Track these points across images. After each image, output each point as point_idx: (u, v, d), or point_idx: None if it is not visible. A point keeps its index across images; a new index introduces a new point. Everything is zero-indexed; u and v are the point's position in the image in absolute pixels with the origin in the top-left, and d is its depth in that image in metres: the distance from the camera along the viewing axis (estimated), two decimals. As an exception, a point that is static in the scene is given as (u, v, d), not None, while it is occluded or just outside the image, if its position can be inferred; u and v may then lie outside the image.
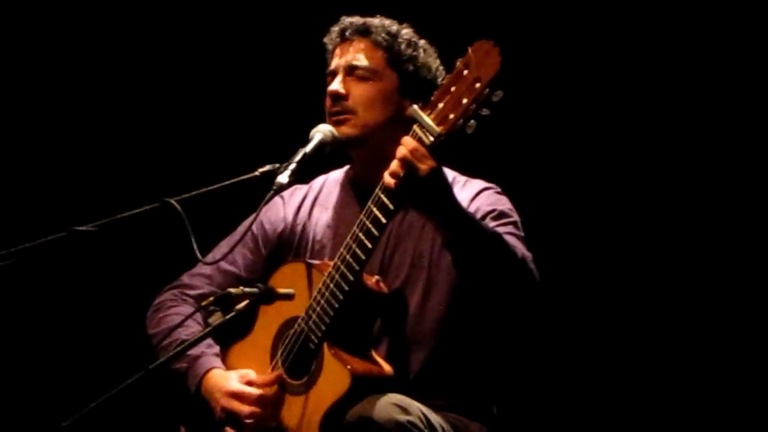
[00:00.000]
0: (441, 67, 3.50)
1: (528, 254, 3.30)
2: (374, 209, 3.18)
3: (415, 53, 3.49)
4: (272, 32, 5.04)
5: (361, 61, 3.47)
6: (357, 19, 3.52)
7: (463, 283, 3.40)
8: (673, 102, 4.73)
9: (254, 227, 3.58)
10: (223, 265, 3.58)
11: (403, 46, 3.48)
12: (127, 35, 5.08)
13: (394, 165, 3.08)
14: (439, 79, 3.42)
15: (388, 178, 3.10)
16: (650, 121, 4.76)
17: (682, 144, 4.72)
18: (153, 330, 3.58)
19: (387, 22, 3.52)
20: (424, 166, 3.06)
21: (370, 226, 3.19)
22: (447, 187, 3.13)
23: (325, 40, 3.56)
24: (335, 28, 3.54)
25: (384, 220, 3.17)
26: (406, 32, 3.51)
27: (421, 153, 3.06)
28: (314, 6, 4.71)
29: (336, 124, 3.45)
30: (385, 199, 3.15)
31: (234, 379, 3.40)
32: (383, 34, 3.48)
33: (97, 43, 5.09)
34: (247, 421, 3.34)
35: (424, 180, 3.06)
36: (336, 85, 3.46)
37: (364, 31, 3.49)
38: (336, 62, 3.50)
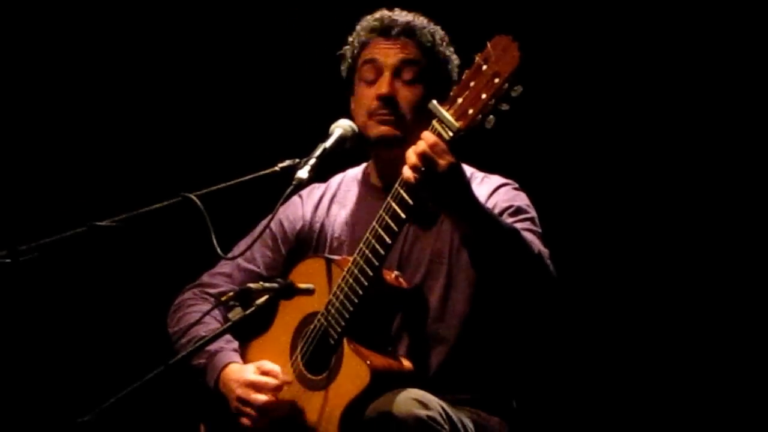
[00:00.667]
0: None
1: (545, 250, 3.30)
2: (393, 204, 3.18)
3: (449, 56, 3.50)
4: (293, 28, 5.04)
5: (412, 64, 3.45)
6: (401, 18, 3.49)
7: (481, 280, 3.41)
8: (695, 98, 4.71)
9: (273, 225, 3.57)
10: (243, 263, 3.59)
11: (441, 48, 3.48)
12: (149, 32, 5.08)
13: (414, 160, 3.08)
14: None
15: (407, 173, 3.10)
16: (669, 115, 4.75)
17: (708, 141, 4.71)
18: (173, 329, 3.58)
19: (425, 21, 3.50)
20: (443, 162, 3.06)
21: (389, 221, 3.19)
22: (465, 183, 3.14)
23: (359, 28, 3.53)
24: (376, 22, 3.49)
25: (403, 216, 3.17)
26: (441, 33, 3.50)
27: (440, 148, 3.06)
28: (333, 1, 4.71)
29: (381, 123, 3.43)
30: (404, 195, 3.15)
31: (250, 370, 3.39)
32: (428, 36, 3.47)
33: (118, 38, 5.09)
34: (262, 410, 3.33)
35: (442, 175, 3.07)
36: (386, 87, 3.43)
37: (409, 32, 3.46)
38: (380, 59, 3.46)
